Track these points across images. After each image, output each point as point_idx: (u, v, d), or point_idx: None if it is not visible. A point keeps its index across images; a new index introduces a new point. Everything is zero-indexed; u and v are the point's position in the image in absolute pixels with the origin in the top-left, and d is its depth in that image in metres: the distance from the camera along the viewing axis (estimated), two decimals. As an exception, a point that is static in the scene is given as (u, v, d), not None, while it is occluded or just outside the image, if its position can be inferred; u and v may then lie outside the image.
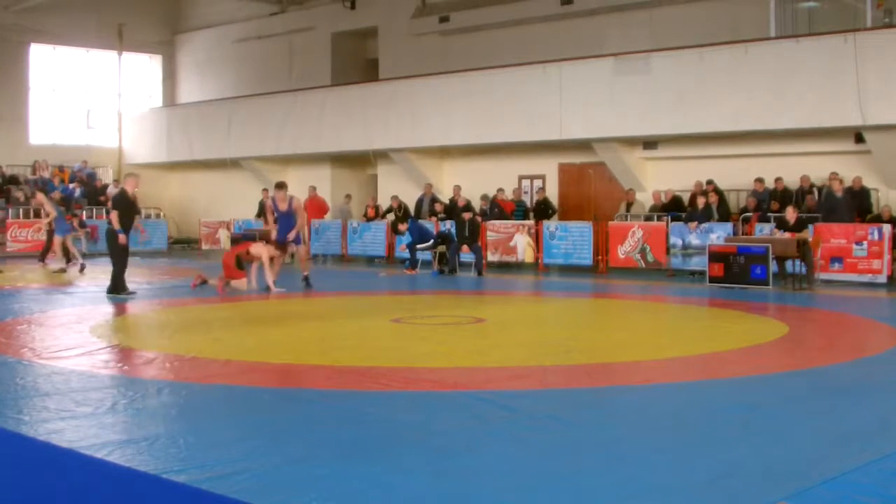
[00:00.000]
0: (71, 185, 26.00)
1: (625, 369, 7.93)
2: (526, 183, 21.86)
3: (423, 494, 4.30)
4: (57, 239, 18.32)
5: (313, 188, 23.28)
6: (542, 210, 20.09)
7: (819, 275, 15.19)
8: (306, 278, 14.84)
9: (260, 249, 14.15)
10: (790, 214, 15.22)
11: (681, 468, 4.74)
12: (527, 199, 21.37)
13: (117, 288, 12.99)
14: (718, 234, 16.47)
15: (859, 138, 16.80)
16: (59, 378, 7.01)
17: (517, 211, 20.30)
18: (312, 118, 24.00)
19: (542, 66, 19.84)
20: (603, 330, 10.82)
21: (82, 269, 17.36)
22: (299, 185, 25.23)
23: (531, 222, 19.33)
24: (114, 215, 12.96)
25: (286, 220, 14.65)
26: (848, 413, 6.11)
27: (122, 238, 12.78)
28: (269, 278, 14.02)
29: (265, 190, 24.54)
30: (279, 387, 6.90)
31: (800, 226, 15.08)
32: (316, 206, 22.50)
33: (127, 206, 13.02)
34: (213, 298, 13.22)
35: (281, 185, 14.98)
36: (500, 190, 20.66)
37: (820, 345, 9.56)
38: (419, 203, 21.65)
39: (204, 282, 14.06)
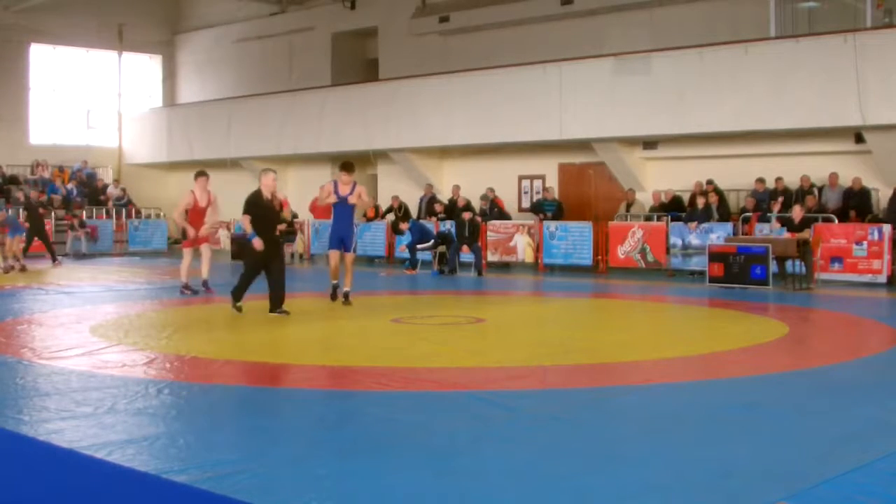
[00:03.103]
0: (71, 185, 26.04)
1: (625, 369, 7.93)
2: (526, 183, 21.86)
3: (423, 494, 4.29)
4: (8, 240, 18.76)
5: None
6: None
7: (819, 275, 15.18)
8: (346, 294, 12.31)
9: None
10: (797, 213, 15.20)
11: (681, 468, 4.74)
12: (526, 199, 21.36)
13: (234, 294, 11.22)
14: (718, 234, 16.47)
15: (859, 138, 16.79)
16: (59, 378, 7.01)
17: (549, 206, 19.79)
18: (312, 118, 23.99)
19: (542, 66, 19.83)
20: (603, 330, 10.81)
21: (7, 270, 17.70)
22: (299, 184, 25.27)
23: (531, 222, 19.32)
24: (245, 220, 11.10)
25: (345, 209, 12.31)
26: (848, 413, 6.10)
27: (256, 242, 10.85)
28: (184, 272, 13.35)
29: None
30: (279, 387, 6.89)
31: (802, 225, 15.07)
32: (327, 207, 22.24)
33: (261, 209, 11.11)
34: (213, 299, 13.21)
35: (348, 167, 12.29)
36: (491, 188, 20.58)
37: (820, 345, 9.58)
38: (420, 203, 21.64)
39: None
